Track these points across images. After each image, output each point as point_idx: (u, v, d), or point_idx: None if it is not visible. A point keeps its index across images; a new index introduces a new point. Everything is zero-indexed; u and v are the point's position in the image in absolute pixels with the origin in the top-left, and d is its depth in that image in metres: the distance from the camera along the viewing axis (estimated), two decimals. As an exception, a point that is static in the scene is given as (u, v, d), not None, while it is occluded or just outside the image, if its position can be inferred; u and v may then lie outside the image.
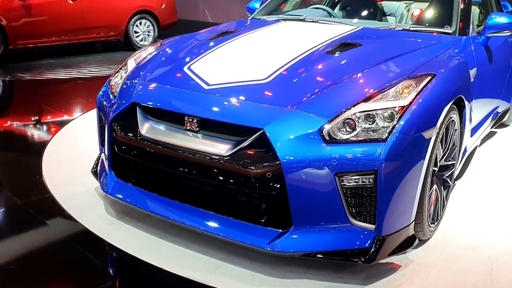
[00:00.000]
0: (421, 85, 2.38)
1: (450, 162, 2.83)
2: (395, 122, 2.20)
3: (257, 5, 4.22)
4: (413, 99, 2.29)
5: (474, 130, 3.42)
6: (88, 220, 2.80)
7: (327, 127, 2.20)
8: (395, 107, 2.25)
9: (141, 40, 8.94)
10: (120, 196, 2.68)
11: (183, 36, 3.50)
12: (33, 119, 4.87)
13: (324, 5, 4.62)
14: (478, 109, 3.36)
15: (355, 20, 3.70)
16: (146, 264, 2.42)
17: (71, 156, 3.76)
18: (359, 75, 2.51)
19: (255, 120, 2.26)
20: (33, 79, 6.55)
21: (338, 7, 4.55)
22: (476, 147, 3.76)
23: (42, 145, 4.00)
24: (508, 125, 4.97)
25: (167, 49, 3.13)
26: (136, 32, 8.82)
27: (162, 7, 9.08)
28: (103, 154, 3.00)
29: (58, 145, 4.04)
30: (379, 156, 2.12)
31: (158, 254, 2.50)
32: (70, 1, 7.72)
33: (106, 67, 7.42)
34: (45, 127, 4.62)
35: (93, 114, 4.86)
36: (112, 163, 2.77)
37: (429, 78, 2.44)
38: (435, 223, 2.71)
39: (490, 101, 3.82)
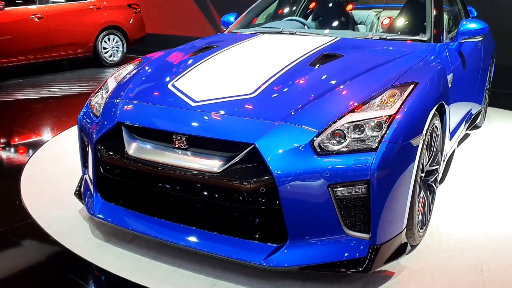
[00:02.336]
0: (405, 93, 2.42)
1: (434, 167, 2.89)
2: (383, 131, 2.23)
3: (232, 19, 4.23)
4: (399, 107, 2.33)
5: (452, 134, 3.50)
6: (75, 245, 2.73)
7: (317, 139, 2.21)
8: (382, 116, 2.28)
9: (110, 56, 8.84)
10: (108, 219, 2.63)
11: (162, 52, 3.47)
12: (5, 142, 4.73)
13: (296, 16, 4.67)
14: (455, 113, 3.45)
15: (330, 31, 3.75)
16: (140, 287, 2.37)
17: (51, 178, 3.67)
18: (344, 86, 2.53)
19: (246, 135, 2.26)
20: (1, 100, 6.38)
21: (310, 17, 4.60)
22: (454, 150, 3.85)
23: (19, 168, 3.89)
24: (480, 127, 5.12)
25: (147, 67, 3.10)
26: (104, 48, 8.72)
27: (130, 22, 9.02)
28: (86, 176, 2.94)
29: (35, 167, 3.93)
30: (371, 166, 2.15)
31: (152, 275, 2.45)
32: (36, 19, 7.59)
33: (77, 85, 7.30)
34: (20, 150, 4.49)
35: (68, 133, 4.79)
36: (97, 184, 2.72)
37: (412, 86, 2.49)
38: (424, 228, 2.75)
39: (465, 104, 3.92)
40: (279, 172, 2.15)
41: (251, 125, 2.30)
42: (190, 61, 3.02)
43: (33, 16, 7.56)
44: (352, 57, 2.93)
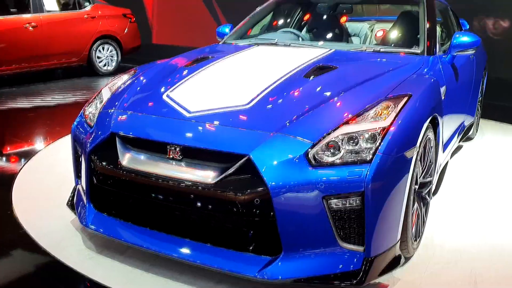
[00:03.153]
0: (399, 105, 2.43)
1: (428, 179, 2.89)
2: (378, 143, 2.23)
3: (227, 30, 4.24)
4: (393, 120, 2.34)
5: (445, 146, 3.52)
6: (67, 256, 2.70)
7: (312, 150, 2.21)
8: (376, 128, 2.28)
9: (104, 65, 8.84)
10: (100, 229, 2.61)
11: (157, 62, 3.47)
12: (-1, 151, 4.72)
13: (290, 27, 4.69)
14: (448, 125, 3.47)
15: (324, 43, 3.77)
16: (132, 298, 2.36)
17: (43, 188, 3.64)
18: (338, 97, 2.54)
19: (240, 146, 2.26)
20: (-4, 109, 6.36)
21: (305, 29, 4.63)
22: (447, 161, 3.86)
23: (11, 178, 3.86)
24: (472, 138, 5.14)
25: (142, 77, 3.10)
26: (99, 57, 8.72)
27: (125, 31, 9.02)
28: (79, 186, 2.92)
29: (27, 177, 3.90)
30: (365, 177, 2.15)
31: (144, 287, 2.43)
32: (31, 28, 7.57)
33: (70, 94, 7.29)
34: (12, 159, 4.46)
35: (62, 143, 4.77)
36: (90, 195, 2.70)
37: (406, 98, 2.50)
38: (417, 240, 2.75)
39: (458, 116, 3.94)
40: (273, 183, 2.14)
41: (245, 136, 2.30)
42: (185, 72, 3.02)
43: (27, 25, 7.55)
44: (346, 69, 2.95)
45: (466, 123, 4.49)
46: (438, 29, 4.47)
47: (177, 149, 2.37)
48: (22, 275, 2.60)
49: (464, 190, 3.76)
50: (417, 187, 2.63)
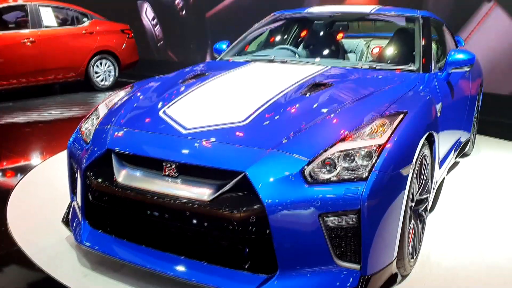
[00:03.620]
0: (395, 123, 2.44)
1: (424, 196, 2.89)
2: (373, 161, 2.23)
3: (224, 46, 4.27)
4: (389, 137, 2.34)
5: (442, 162, 3.52)
6: (61, 274, 2.67)
7: (308, 167, 2.21)
8: (373, 145, 2.29)
9: (102, 81, 8.86)
10: (95, 247, 2.59)
11: (154, 79, 3.48)
12: (-6, 166, 4.70)
13: (287, 44, 4.72)
14: (444, 141, 3.47)
15: (320, 59, 3.79)
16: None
17: (38, 205, 3.62)
18: (335, 114, 2.55)
19: (236, 163, 2.25)
20: (-8, 124, 6.36)
21: (301, 46, 4.65)
22: (444, 178, 3.87)
23: (6, 193, 3.84)
24: (469, 155, 5.15)
25: (139, 94, 3.10)
26: (96, 73, 8.74)
27: (123, 47, 9.06)
28: (75, 203, 2.91)
29: (23, 193, 3.88)
30: (362, 195, 2.14)
31: (139, 305, 2.41)
32: (28, 43, 7.60)
33: (67, 109, 7.29)
34: (7, 174, 4.44)
35: (58, 158, 4.75)
36: (85, 212, 2.68)
37: (401, 116, 2.51)
38: (414, 258, 2.74)
39: (454, 133, 3.95)
40: (269, 200, 2.14)
41: (241, 153, 2.30)
42: (181, 88, 3.03)
43: (25, 40, 7.58)
44: (343, 86, 2.96)
45: (462, 140, 4.50)
46: (434, 46, 4.50)
47: (173, 166, 2.36)
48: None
49: (461, 206, 3.76)
50: (413, 204, 2.63)
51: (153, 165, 2.43)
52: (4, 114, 6.82)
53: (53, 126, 6.41)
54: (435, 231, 3.30)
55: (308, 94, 2.79)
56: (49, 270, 2.72)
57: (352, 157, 2.25)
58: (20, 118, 6.66)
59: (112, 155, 2.56)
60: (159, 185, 2.37)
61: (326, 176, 2.20)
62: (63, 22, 8.42)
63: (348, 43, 4.85)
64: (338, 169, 2.22)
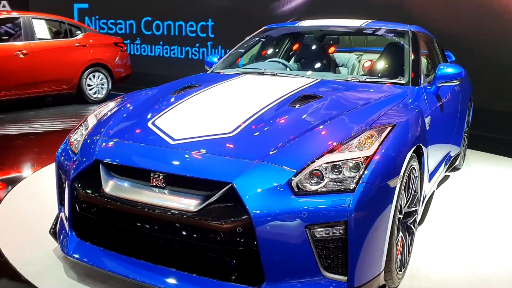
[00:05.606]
0: (382, 135, 2.45)
1: (413, 209, 2.89)
2: (361, 172, 2.24)
3: (215, 59, 4.29)
4: (377, 149, 2.35)
5: (431, 176, 3.53)
6: (48, 286, 2.65)
7: (295, 179, 2.21)
8: (360, 157, 2.29)
9: (95, 93, 8.85)
10: (83, 258, 2.57)
11: (144, 90, 3.49)
12: (-17, 178, 4.66)
13: (279, 57, 4.75)
14: (433, 155, 3.49)
15: (312, 73, 3.81)
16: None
17: (27, 217, 3.59)
18: (323, 127, 2.56)
19: (223, 174, 2.25)
20: (-18, 136, 6.32)
21: (293, 59, 4.68)
22: (433, 191, 3.87)
23: (-6, 205, 3.82)
24: (459, 168, 5.18)
25: (129, 105, 3.11)
26: (89, 85, 8.73)
27: (116, 60, 9.07)
28: (62, 214, 2.89)
29: (11, 204, 3.85)
30: (349, 206, 2.14)
31: (125, 317, 2.39)
32: (21, 56, 7.60)
33: (59, 121, 7.26)
34: (-4, 186, 4.42)
35: (48, 170, 4.72)
36: (73, 223, 2.67)
37: (389, 128, 2.52)
38: (402, 270, 2.73)
39: (443, 146, 3.97)
40: (256, 212, 2.13)
41: (228, 164, 2.30)
42: (171, 100, 3.04)
43: (18, 52, 7.57)
44: (332, 98, 2.97)
45: (453, 153, 4.52)
46: (424, 60, 4.54)
47: (161, 176, 2.36)
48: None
49: (451, 220, 3.77)
50: (401, 216, 2.63)
51: (141, 176, 2.43)
52: (-5, 126, 6.79)
53: (44, 138, 6.38)
54: (425, 244, 3.30)
55: (297, 106, 2.80)
56: (36, 282, 2.69)
57: (340, 168, 2.25)
58: (12, 130, 6.63)
59: (100, 166, 2.55)
60: (146, 196, 2.37)
61: (314, 188, 2.21)
62: (56, 35, 8.43)
63: (339, 57, 4.88)
64: (326, 180, 2.23)
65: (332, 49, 4.80)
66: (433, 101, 3.52)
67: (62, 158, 2.85)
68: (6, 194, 4.06)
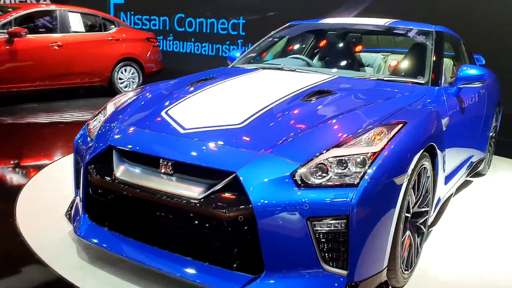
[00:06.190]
0: (392, 132, 2.44)
1: (423, 209, 2.86)
2: (366, 168, 2.23)
3: (238, 54, 4.33)
4: (385, 145, 2.34)
5: (448, 178, 3.46)
6: (58, 265, 2.73)
7: (299, 171, 2.22)
8: (367, 153, 2.29)
9: (126, 87, 9.02)
10: (92, 240, 2.65)
11: (164, 82, 3.56)
12: (10, 162, 4.83)
13: (303, 54, 4.76)
14: (451, 157, 3.43)
15: (330, 70, 3.81)
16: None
17: (47, 200, 3.71)
18: (333, 121, 2.56)
19: (228, 163, 2.28)
20: (14, 123, 6.54)
21: (316, 57, 4.68)
22: (451, 195, 3.81)
23: (18, 188, 3.95)
24: (484, 174, 5.06)
25: (147, 94, 3.18)
26: (120, 79, 8.91)
27: (147, 55, 9.23)
28: (77, 197, 2.98)
29: (34, 188, 3.99)
30: (351, 201, 2.14)
31: (129, 300, 2.45)
32: (56, 47, 7.82)
33: (89, 112, 7.44)
34: (22, 170, 4.57)
35: (71, 158, 4.85)
36: (86, 206, 2.75)
37: (400, 125, 2.50)
38: (409, 270, 2.70)
39: (463, 150, 3.90)
40: (258, 202, 2.16)
41: (234, 154, 2.33)
42: (186, 91, 3.09)
43: (53, 44, 7.80)
44: (345, 94, 2.97)
45: (475, 159, 4.43)
46: (449, 62, 4.48)
47: (169, 163, 2.41)
48: (12, 280, 2.65)
49: (466, 224, 3.70)
50: (409, 215, 2.60)
51: (151, 163, 2.49)
52: (27, 114, 7.01)
53: (73, 128, 6.54)
54: (438, 246, 3.25)
55: (308, 101, 2.81)
56: (47, 260, 2.79)
57: (346, 163, 2.25)
58: (42, 118, 6.84)
59: (113, 151, 2.62)
60: (154, 182, 2.42)
61: (317, 181, 2.21)
62: (90, 28, 8.65)
63: (366, 57, 4.84)
64: (330, 174, 2.23)
65: (359, 47, 4.78)
66: (453, 103, 3.46)
67: (80, 143, 2.94)
68: (30, 179, 4.20)
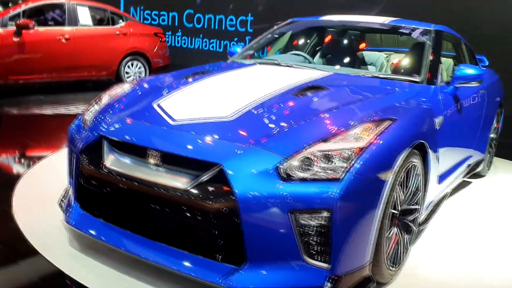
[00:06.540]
0: (380, 128, 2.44)
1: (413, 207, 2.86)
2: (351, 163, 2.24)
3: (238, 50, 4.35)
4: (371, 141, 2.35)
5: (442, 178, 3.46)
6: (49, 253, 2.78)
7: (284, 164, 2.24)
8: (353, 148, 2.30)
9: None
10: (81, 228, 2.68)
11: (162, 74, 3.59)
12: (10, 151, 4.90)
13: (305, 52, 4.76)
14: (446, 157, 3.42)
15: (327, 66, 3.81)
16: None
17: (45, 189, 3.76)
18: (321, 116, 2.57)
19: (215, 155, 2.31)
20: (19, 114, 6.63)
21: (317, 54, 4.69)
22: (446, 195, 3.80)
23: (17, 176, 4.02)
24: (484, 176, 5.04)
25: (142, 86, 3.21)
26: (127, 73, 8.97)
27: (155, 50, 9.28)
28: (70, 186, 3.01)
29: (33, 177, 4.05)
30: (334, 195, 2.15)
31: (116, 288, 2.48)
32: (63, 40, 7.90)
33: (94, 105, 7.51)
34: (22, 160, 4.64)
35: (70, 148, 4.91)
36: (77, 195, 2.79)
37: (389, 122, 2.51)
38: (396, 267, 2.71)
39: (460, 150, 3.88)
40: (242, 194, 2.18)
41: (221, 146, 2.35)
42: (180, 83, 3.11)
43: (60, 37, 7.87)
44: (338, 90, 2.98)
45: (473, 159, 4.41)
46: (449, 61, 4.46)
47: (157, 154, 2.43)
48: (1, 266, 2.70)
49: (462, 225, 3.69)
50: (396, 212, 2.60)
51: (140, 153, 2.51)
52: (33, 106, 7.10)
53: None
54: (430, 245, 3.25)
55: (299, 96, 2.82)
56: (39, 247, 2.83)
57: (331, 158, 2.26)
58: (48, 110, 6.93)
59: (104, 141, 2.65)
60: (142, 172, 2.45)
61: (301, 175, 2.22)
62: (98, 22, 8.72)
63: (369, 55, 4.84)
64: (315, 168, 2.24)
65: (363, 45, 4.78)
66: (449, 102, 3.45)
67: (74, 132, 2.98)
68: (30, 168, 4.26)
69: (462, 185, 4.57)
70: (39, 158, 4.58)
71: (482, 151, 4.65)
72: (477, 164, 4.61)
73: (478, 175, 4.94)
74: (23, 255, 2.80)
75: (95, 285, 2.50)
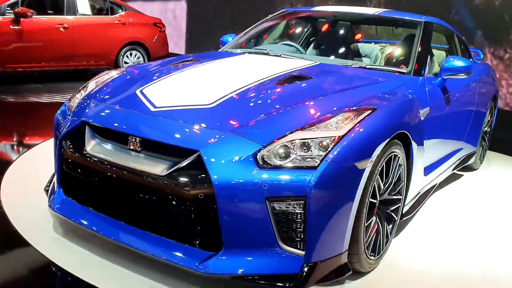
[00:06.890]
0: (359, 117, 2.45)
1: (395, 197, 2.86)
2: (328, 151, 2.25)
3: (230, 39, 4.35)
4: (349, 130, 2.35)
5: (428, 169, 3.46)
6: (32, 236, 2.81)
7: (262, 152, 2.25)
8: (332, 136, 2.30)
9: (131, 71, 9.09)
10: (64, 213, 2.71)
11: (149, 63, 3.59)
12: (3, 138, 4.93)
13: (299, 42, 4.76)
14: (433, 148, 3.42)
15: (315, 56, 3.81)
16: (82, 282, 2.43)
17: (33, 176, 3.78)
18: (302, 104, 2.58)
19: (193, 142, 2.32)
20: (15, 102, 6.66)
21: (312, 46, 4.68)
22: (434, 186, 3.80)
23: (7, 162, 4.05)
24: (476, 169, 5.03)
25: (128, 73, 3.22)
26: (126, 63, 8.97)
27: (154, 39, 9.28)
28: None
29: (24, 163, 4.08)
30: (309, 183, 2.17)
31: (96, 273, 2.50)
32: (62, 29, 7.91)
33: (91, 94, 7.54)
34: (14, 147, 4.67)
35: (65, 136, 4.94)
36: (61, 180, 2.81)
37: (369, 111, 2.51)
38: (376, 256, 2.72)
39: (449, 142, 3.88)
40: (218, 180, 2.19)
41: (199, 133, 2.37)
42: (166, 71, 3.12)
43: (59, 26, 7.88)
44: (321, 80, 2.98)
45: (464, 152, 4.41)
46: (439, 53, 4.45)
47: (137, 140, 2.45)
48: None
49: (448, 217, 3.70)
50: (376, 201, 2.61)
51: (120, 139, 2.53)
52: (30, 94, 7.13)
53: (73, 109, 6.66)
54: (413, 236, 3.26)
55: (282, 84, 2.83)
56: (23, 232, 2.86)
57: (309, 146, 2.27)
58: (45, 99, 6.95)
59: (86, 127, 2.67)
60: (122, 158, 2.47)
61: (278, 162, 2.24)
62: (97, 11, 8.72)
63: (364, 47, 4.83)
64: (292, 156, 2.25)
65: (358, 35, 4.78)
66: (436, 93, 3.45)
67: (59, 118, 2.99)
68: (21, 154, 4.29)
69: (453, 177, 4.57)
70: (31, 145, 4.61)
71: (473, 144, 4.65)
72: (469, 157, 4.61)
73: (470, 168, 4.93)
74: (6, 236, 2.84)
75: (72, 267, 2.53)
